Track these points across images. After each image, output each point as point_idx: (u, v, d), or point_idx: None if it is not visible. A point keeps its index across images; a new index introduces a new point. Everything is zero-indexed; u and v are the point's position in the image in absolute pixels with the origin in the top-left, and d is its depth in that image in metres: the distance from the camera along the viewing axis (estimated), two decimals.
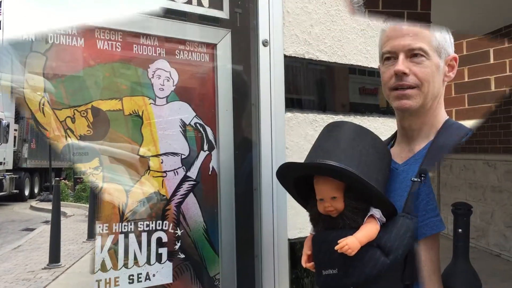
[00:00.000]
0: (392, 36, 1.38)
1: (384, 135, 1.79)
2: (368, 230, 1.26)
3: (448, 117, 1.45)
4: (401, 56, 1.35)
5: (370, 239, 1.25)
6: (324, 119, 2.03)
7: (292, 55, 1.94)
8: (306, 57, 1.99)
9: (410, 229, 1.27)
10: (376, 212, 1.28)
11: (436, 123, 1.41)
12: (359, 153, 1.30)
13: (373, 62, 2.12)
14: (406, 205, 1.32)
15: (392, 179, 1.40)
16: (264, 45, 1.80)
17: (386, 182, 1.37)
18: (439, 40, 1.37)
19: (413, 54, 1.34)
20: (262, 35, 1.80)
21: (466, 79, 4.64)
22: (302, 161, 1.41)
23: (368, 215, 1.28)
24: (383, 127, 2.21)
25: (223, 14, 1.74)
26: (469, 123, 1.51)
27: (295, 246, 1.90)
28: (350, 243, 1.21)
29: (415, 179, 1.33)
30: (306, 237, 1.88)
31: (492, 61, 4.44)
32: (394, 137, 1.56)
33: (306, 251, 1.40)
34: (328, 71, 2.08)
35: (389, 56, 1.38)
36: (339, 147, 1.31)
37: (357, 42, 2.16)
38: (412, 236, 1.26)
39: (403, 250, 1.24)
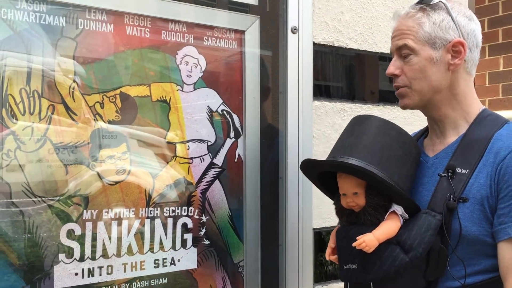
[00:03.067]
0: (391, 37, 1.40)
1: (414, 125, 1.76)
2: (388, 227, 1.24)
3: (483, 107, 1.38)
4: (394, 57, 1.37)
5: (389, 236, 1.23)
6: (352, 108, 2.00)
7: (321, 43, 1.91)
8: (336, 44, 1.95)
9: (432, 227, 1.23)
10: (398, 208, 1.26)
11: (466, 114, 1.36)
12: (382, 149, 1.28)
13: None
14: (431, 201, 1.29)
15: (422, 172, 1.37)
16: (293, 32, 1.78)
17: (413, 177, 1.34)
18: (430, 30, 1.31)
19: (401, 53, 1.34)
20: (291, 22, 1.77)
21: (501, 68, 4.50)
22: (329, 151, 1.40)
23: (390, 211, 1.27)
24: (412, 117, 2.16)
25: (252, 0, 1.72)
26: (503, 114, 1.45)
27: (319, 236, 1.90)
28: (367, 241, 1.21)
29: (443, 174, 1.30)
30: (331, 227, 1.88)
31: None
32: (428, 129, 1.52)
33: (331, 243, 1.40)
34: (357, 59, 2.04)
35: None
36: (361, 143, 1.29)
37: (389, 29, 2.11)
38: (433, 234, 1.23)
39: (423, 248, 1.22)
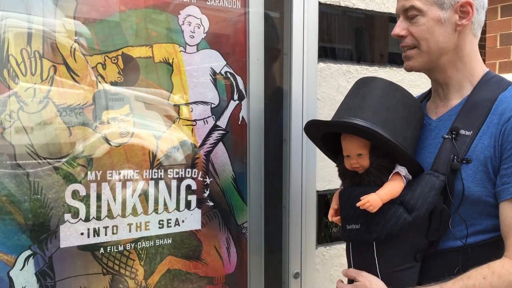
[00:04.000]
0: None
1: (420, 88, 1.74)
2: (391, 188, 1.25)
3: (487, 69, 1.37)
4: (400, 18, 1.34)
5: (393, 197, 1.24)
6: (358, 70, 1.97)
7: (327, 2, 1.87)
8: (342, 4, 1.91)
9: (435, 187, 1.24)
10: (402, 169, 1.27)
11: (470, 76, 1.35)
12: (387, 110, 1.27)
13: None
14: (435, 163, 1.29)
15: (425, 135, 1.37)
16: None
17: (417, 139, 1.34)
18: None
19: (408, 14, 1.31)
20: None
21: None
22: (333, 114, 1.38)
23: (393, 172, 1.27)
24: (420, 79, 2.13)
25: None
26: None
27: (323, 198, 1.91)
28: (371, 200, 1.21)
29: (447, 136, 1.30)
30: (334, 189, 1.89)
31: None
32: (430, 91, 1.51)
33: (333, 205, 1.41)
34: (365, 20, 1.99)
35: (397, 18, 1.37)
36: (366, 104, 1.28)
37: None
38: (436, 194, 1.24)
39: (426, 208, 1.23)
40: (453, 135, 1.28)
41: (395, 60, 2.09)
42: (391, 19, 2.07)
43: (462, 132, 1.28)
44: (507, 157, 1.21)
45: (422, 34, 1.31)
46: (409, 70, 1.38)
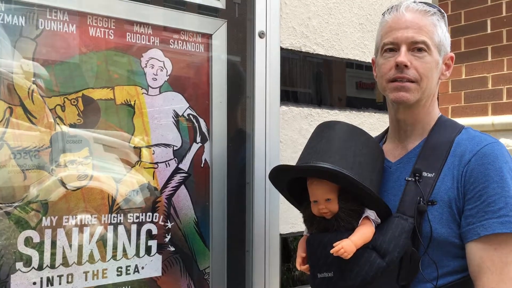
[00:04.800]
0: (395, 27, 1.34)
1: (380, 131, 1.77)
2: (364, 233, 1.23)
3: (440, 113, 1.43)
4: (403, 48, 1.32)
5: (365, 242, 1.23)
6: (319, 114, 2.01)
7: (289, 48, 1.91)
8: (303, 50, 1.96)
9: (405, 230, 1.24)
10: (371, 213, 1.26)
11: (429, 120, 1.40)
12: (353, 154, 1.28)
13: (371, 56, 2.10)
14: (400, 205, 1.30)
15: (386, 178, 1.38)
16: (261, 37, 1.77)
17: (380, 182, 1.35)
18: (441, 37, 1.35)
19: (415, 47, 1.32)
20: (259, 26, 1.77)
21: (464, 76, 4.63)
22: (297, 156, 1.39)
23: (363, 216, 1.26)
24: (378, 122, 2.19)
25: (220, 4, 1.71)
26: (465, 121, 1.49)
27: (286, 241, 1.89)
28: (345, 246, 1.19)
29: (409, 179, 1.31)
30: (297, 232, 1.88)
31: (490, 59, 4.43)
32: (385, 133, 1.54)
33: (301, 253, 1.37)
34: (324, 65, 2.05)
35: (390, 48, 1.35)
36: (332, 148, 1.28)
37: (355, 36, 2.13)
38: (407, 237, 1.24)
39: (398, 252, 1.22)
40: (416, 177, 1.30)
41: (355, 104, 2.14)
42: (349, 64, 2.13)
43: (425, 174, 1.30)
44: (470, 197, 1.24)
45: (426, 72, 1.32)
46: (402, 102, 1.34)
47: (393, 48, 1.35)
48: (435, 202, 1.26)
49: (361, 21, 2.15)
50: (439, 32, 1.35)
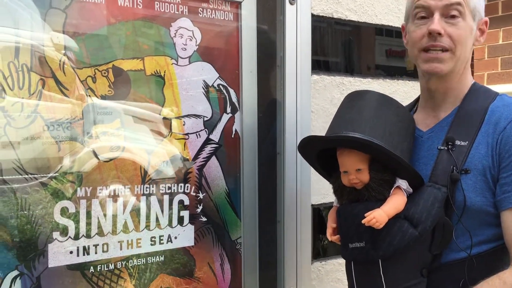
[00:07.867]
0: None
1: (413, 98, 1.71)
2: (395, 202, 1.22)
3: (474, 80, 1.38)
4: (437, 15, 1.26)
5: (397, 211, 1.21)
6: (351, 82, 1.96)
7: (320, 14, 1.86)
8: (335, 16, 1.90)
9: (438, 199, 1.22)
10: (403, 183, 1.24)
11: (462, 88, 1.35)
12: (384, 123, 1.25)
13: None
14: (432, 174, 1.28)
15: (417, 147, 1.35)
16: (291, 3, 1.72)
17: (411, 151, 1.33)
18: (475, 1, 1.29)
19: (449, 13, 1.26)
20: None
21: (500, 42, 4.45)
22: (327, 126, 1.36)
23: (395, 186, 1.25)
24: (413, 91, 2.13)
25: None
26: (502, 88, 1.44)
27: (318, 212, 1.88)
28: (377, 216, 1.18)
29: (442, 147, 1.28)
30: (329, 203, 1.86)
31: None
32: (416, 102, 1.50)
33: (331, 224, 1.37)
34: (357, 32, 1.99)
35: (423, 15, 1.29)
36: (362, 118, 1.26)
37: (389, 1, 2.05)
38: (440, 206, 1.22)
39: (431, 221, 1.21)
40: (449, 146, 1.27)
41: (388, 71, 2.08)
42: (383, 31, 2.06)
43: (458, 142, 1.27)
44: (505, 165, 1.21)
45: (461, 38, 1.27)
46: (436, 73, 1.29)
47: (425, 15, 1.29)
48: (469, 171, 1.24)
49: None
50: None
